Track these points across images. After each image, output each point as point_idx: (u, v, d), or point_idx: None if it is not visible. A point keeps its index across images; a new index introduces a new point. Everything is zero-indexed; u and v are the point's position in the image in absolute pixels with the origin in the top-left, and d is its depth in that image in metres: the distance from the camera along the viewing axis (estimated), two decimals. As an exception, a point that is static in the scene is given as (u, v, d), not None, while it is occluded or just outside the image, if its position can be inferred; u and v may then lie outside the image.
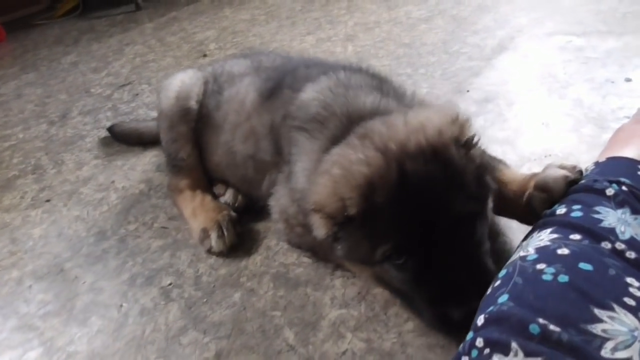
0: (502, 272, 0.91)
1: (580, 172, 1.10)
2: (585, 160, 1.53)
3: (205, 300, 1.35)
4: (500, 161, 1.34)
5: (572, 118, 1.76)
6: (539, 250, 0.89)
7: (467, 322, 0.87)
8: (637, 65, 1.99)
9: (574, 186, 1.07)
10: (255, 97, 1.56)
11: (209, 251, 1.49)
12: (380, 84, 1.42)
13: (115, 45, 3.88)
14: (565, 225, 0.93)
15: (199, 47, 3.44)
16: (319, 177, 1.13)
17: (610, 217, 0.92)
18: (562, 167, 1.12)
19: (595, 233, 0.88)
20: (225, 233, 1.47)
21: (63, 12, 5.22)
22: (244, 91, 1.62)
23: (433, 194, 1.01)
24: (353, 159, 1.08)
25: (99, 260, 1.58)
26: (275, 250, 1.47)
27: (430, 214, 1.00)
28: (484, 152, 1.21)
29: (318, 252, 1.38)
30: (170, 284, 1.43)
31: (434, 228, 1.00)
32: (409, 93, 1.43)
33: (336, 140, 1.21)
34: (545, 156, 1.60)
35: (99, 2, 5.25)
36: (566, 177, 1.08)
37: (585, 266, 0.81)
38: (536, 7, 2.78)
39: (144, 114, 2.55)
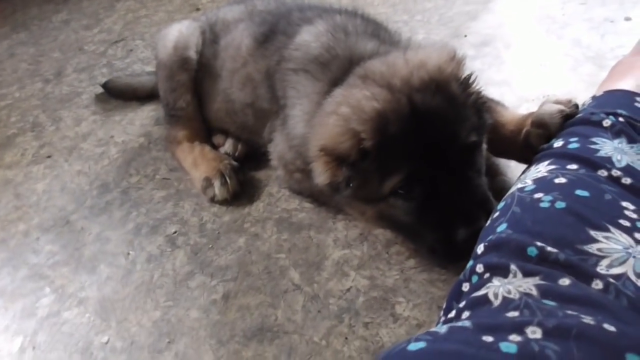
0: (501, 204, 0.93)
1: (576, 105, 1.11)
2: (584, 97, 1.52)
3: (210, 246, 1.38)
4: (498, 103, 1.35)
5: (571, 58, 1.75)
6: (537, 181, 0.91)
7: (471, 243, 0.91)
8: (636, 3, 1.96)
9: (570, 120, 1.08)
10: (250, 43, 1.55)
11: (212, 200, 1.51)
12: (377, 30, 1.42)
13: (105, 2, 3.78)
14: (563, 156, 0.95)
15: (191, 0, 3.37)
16: (326, 119, 1.14)
17: (607, 146, 0.93)
18: (557, 102, 1.13)
19: (592, 162, 0.90)
20: (228, 181, 1.49)
21: (50, -30, 5.05)
22: (239, 37, 1.61)
23: (441, 124, 1.06)
24: (360, 96, 1.10)
25: (104, 212, 1.60)
26: (277, 197, 1.49)
27: (439, 143, 1.05)
28: (481, 92, 1.21)
29: (318, 197, 1.40)
30: (175, 232, 1.45)
31: (442, 156, 1.05)
32: (405, 39, 1.43)
33: (336, 83, 1.22)
34: (543, 96, 1.59)
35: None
36: (562, 111, 1.09)
37: (581, 192, 0.83)
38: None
39: (139, 69, 2.53)
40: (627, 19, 1.87)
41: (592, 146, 0.94)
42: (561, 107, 1.10)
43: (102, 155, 1.89)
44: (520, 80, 1.71)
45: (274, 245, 1.33)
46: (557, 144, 1.01)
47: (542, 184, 0.89)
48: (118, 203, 1.62)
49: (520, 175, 1.02)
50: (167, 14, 3.25)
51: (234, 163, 1.55)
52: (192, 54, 1.70)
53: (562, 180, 0.87)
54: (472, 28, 2.09)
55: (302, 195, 1.46)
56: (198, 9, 3.17)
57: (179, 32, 1.74)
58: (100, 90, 2.35)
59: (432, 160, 1.05)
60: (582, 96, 1.55)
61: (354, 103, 1.10)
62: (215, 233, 1.42)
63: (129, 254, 1.42)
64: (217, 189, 1.48)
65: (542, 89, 1.63)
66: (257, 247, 1.34)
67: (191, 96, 1.70)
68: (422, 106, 1.06)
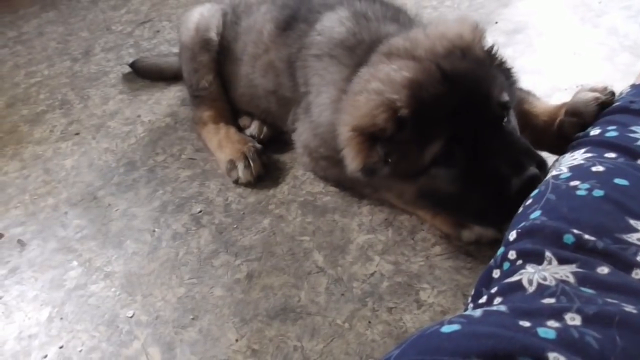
0: (534, 192, 0.91)
1: (612, 93, 1.09)
2: (620, 88, 1.49)
3: (235, 226, 1.39)
4: (529, 93, 1.33)
5: (606, 47, 1.70)
6: (573, 168, 0.89)
7: (525, 193, 0.92)
8: (676, -7, 1.90)
9: (608, 108, 1.05)
10: (272, 28, 1.55)
11: (236, 182, 1.51)
12: (397, 14, 1.43)
13: (133, -17, 3.80)
14: (600, 144, 0.92)
15: (218, -18, 3.36)
16: (356, 98, 1.13)
17: (647, 135, 0.90)
18: (593, 89, 1.11)
19: (631, 150, 0.87)
20: (252, 163, 1.49)
21: (78, -50, 5.07)
22: (261, 20, 1.60)
23: (473, 85, 1.07)
24: (388, 69, 1.10)
25: (130, 189, 1.62)
26: (302, 179, 1.49)
27: (474, 103, 1.05)
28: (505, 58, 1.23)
29: (345, 183, 1.39)
30: (200, 211, 1.46)
31: (479, 116, 1.05)
32: (425, 22, 1.43)
33: (361, 67, 1.21)
34: (577, 86, 1.55)
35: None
36: (597, 98, 1.07)
37: (620, 181, 0.81)
38: None
39: (165, 50, 2.53)
40: (667, 8, 1.82)
41: (632, 135, 0.92)
42: (597, 94, 1.08)
43: (129, 134, 1.91)
44: (553, 68, 1.67)
45: (298, 227, 1.33)
46: (594, 132, 0.98)
47: (579, 171, 0.87)
48: (144, 181, 1.64)
49: (554, 163, 1.00)
50: (194, -4, 3.25)
51: (258, 146, 1.55)
52: (213, 35, 1.71)
53: (600, 168, 0.85)
54: (504, 15, 2.05)
55: (328, 181, 1.45)
56: (225, -9, 3.16)
57: (200, 15, 1.76)
58: (127, 69, 2.37)
59: (470, 120, 1.05)
60: (618, 86, 1.50)
61: (383, 77, 1.10)
62: (240, 213, 1.42)
63: (154, 231, 1.43)
64: (241, 172, 1.49)
65: (576, 78, 1.59)
66: (281, 228, 1.34)
67: (213, 76, 1.71)
68: (451, 70, 1.07)
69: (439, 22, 1.30)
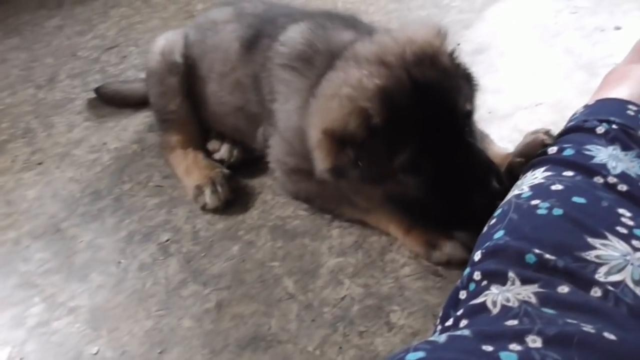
0: (498, 211, 0.93)
1: (553, 135, 1.14)
2: (576, 105, 1.53)
3: (203, 254, 1.37)
4: (487, 136, 1.38)
5: (563, 66, 1.76)
6: (533, 187, 0.91)
7: (488, 207, 0.98)
8: (626, 12, 1.98)
9: (564, 128, 1.08)
10: (238, 47, 1.56)
11: (204, 208, 1.50)
12: (353, 22, 1.48)
13: (99, 8, 3.76)
14: (558, 163, 0.95)
15: (186, 7, 3.36)
16: (328, 103, 1.16)
17: (602, 153, 0.93)
18: (535, 132, 1.18)
19: (588, 168, 0.90)
20: (219, 189, 1.48)
21: (43, -24, 5.02)
22: (228, 39, 1.61)
23: (442, 95, 1.10)
24: (359, 75, 1.13)
25: (96, 219, 1.58)
26: (271, 204, 1.48)
27: (443, 114, 1.09)
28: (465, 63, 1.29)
29: (315, 199, 1.40)
30: (168, 240, 1.44)
31: (447, 127, 1.09)
32: (381, 29, 1.47)
33: (322, 76, 1.25)
34: (536, 104, 1.61)
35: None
36: (541, 140, 1.13)
37: (578, 199, 0.83)
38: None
39: (133, 75, 2.51)
40: (617, 28, 1.89)
41: (587, 153, 0.94)
42: (540, 136, 1.14)
43: (95, 162, 1.87)
44: (513, 88, 1.72)
45: (268, 253, 1.32)
46: (552, 150, 1.01)
47: (539, 190, 0.89)
48: (110, 210, 1.61)
49: (517, 182, 1.02)
50: (161, 20, 3.24)
51: (226, 171, 1.54)
52: (178, 57, 1.71)
53: (559, 187, 0.87)
54: (466, 36, 2.10)
55: (299, 198, 1.45)
56: (193, 16, 3.16)
57: (165, 39, 1.78)
58: (93, 96, 2.34)
59: (438, 131, 1.09)
60: (574, 103, 1.55)
61: (354, 83, 1.12)
62: (208, 241, 1.40)
63: (120, 262, 1.40)
64: (208, 197, 1.47)
65: (535, 96, 1.64)
66: (251, 255, 1.33)
67: (181, 99, 1.70)
68: (421, 80, 1.10)
69: (404, 26, 1.36)
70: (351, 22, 1.47)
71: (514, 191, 0.96)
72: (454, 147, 1.10)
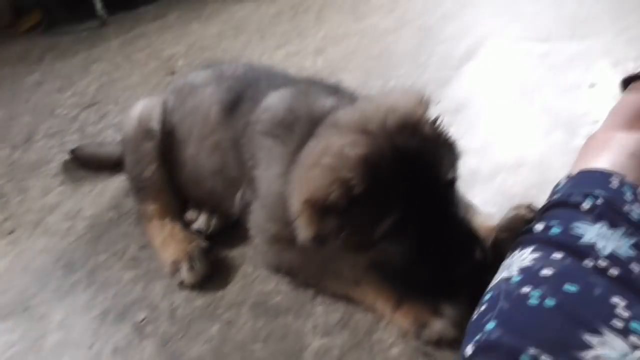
0: (487, 296, 0.90)
1: (536, 210, 1.14)
2: (558, 166, 1.54)
3: (181, 335, 1.30)
4: (471, 205, 1.36)
5: (542, 124, 1.77)
6: (523, 271, 0.88)
7: (472, 277, 1.01)
8: (600, 69, 2.02)
9: (549, 201, 1.07)
10: (218, 110, 1.55)
11: (181, 284, 1.44)
12: (336, 89, 1.48)
13: (80, 63, 3.76)
14: (546, 243, 0.92)
15: (167, 63, 3.37)
16: (309, 172, 1.14)
17: (589, 232, 0.91)
18: (518, 207, 1.19)
19: (577, 250, 0.87)
20: (197, 264, 1.43)
21: (26, 28, 5.04)
22: (208, 102, 1.60)
23: (424, 164, 1.10)
24: (340, 144, 1.12)
25: (68, 295, 1.51)
26: (252, 277, 1.43)
27: (425, 182, 1.08)
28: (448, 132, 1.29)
29: (298, 271, 1.35)
30: (144, 319, 1.37)
31: (429, 196, 1.08)
32: (364, 97, 1.47)
33: (304, 143, 1.24)
34: (519, 165, 1.60)
35: (62, 17, 5.09)
36: (523, 216, 1.15)
37: (570, 287, 0.80)
38: (499, 14, 2.80)
39: (111, 135, 2.47)
40: (592, 85, 1.92)
41: (574, 232, 0.92)
42: (522, 211, 1.16)
43: (69, 231, 1.81)
44: (494, 147, 1.71)
45: (249, 333, 1.26)
46: (539, 227, 0.99)
47: (529, 275, 0.86)
48: (84, 285, 1.54)
49: (506, 260, 0.99)
50: (142, 77, 3.24)
51: (204, 244, 1.49)
52: (155, 124, 1.69)
53: (549, 272, 0.84)
54: (446, 94, 2.12)
55: (281, 270, 1.39)
56: (174, 73, 3.17)
57: (143, 106, 1.75)
58: (69, 157, 2.29)
59: (420, 200, 1.08)
60: (556, 164, 1.57)
61: (336, 152, 1.11)
62: (186, 320, 1.34)
63: (93, 344, 1.33)
64: (185, 274, 1.42)
65: (517, 156, 1.64)
66: (231, 336, 1.26)
67: (157, 166, 1.66)
68: (403, 148, 1.09)
69: (386, 94, 1.36)
70: (333, 89, 1.47)
71: (503, 273, 0.93)
72: (436, 217, 1.09)
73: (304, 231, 1.13)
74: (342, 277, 1.28)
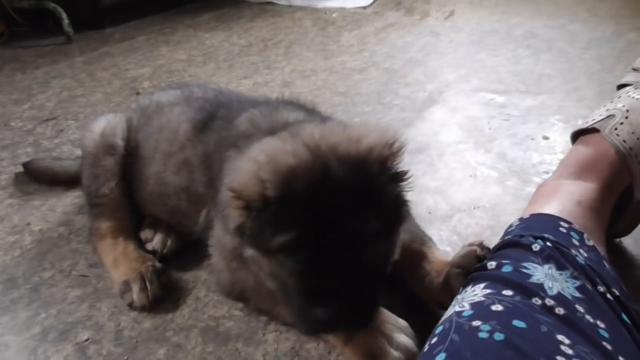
0: (439, 329, 0.91)
1: (488, 249, 1.16)
2: (511, 211, 1.61)
3: (126, 357, 1.25)
4: (430, 238, 1.38)
5: (497, 171, 1.85)
6: (474, 306, 0.90)
7: (330, 324, 1.03)
8: (553, 124, 2.14)
9: (501, 241, 1.11)
10: (189, 128, 1.55)
11: (131, 305, 1.39)
12: (311, 110, 1.50)
13: (41, 77, 3.68)
14: (497, 280, 0.95)
15: (131, 84, 3.34)
16: (243, 163, 1.14)
17: (538, 272, 0.95)
18: (471, 244, 1.20)
19: (526, 288, 0.90)
20: (149, 285, 1.38)
21: (-14, 39, 4.91)
22: (176, 120, 1.60)
23: (348, 202, 1.04)
24: (280, 149, 1.11)
25: (7, 312, 1.43)
26: (204, 301, 1.40)
27: (336, 217, 1.03)
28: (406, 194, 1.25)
29: (251, 295, 1.33)
30: (87, 340, 1.31)
31: (335, 231, 1.03)
32: (337, 119, 1.51)
33: None
34: (474, 207, 1.66)
35: (26, 31, 4.99)
36: (475, 252, 1.15)
37: (518, 323, 0.82)
38: (462, 65, 2.95)
39: (68, 151, 2.41)
40: (545, 137, 2.03)
41: (525, 270, 0.96)
42: (475, 248, 1.16)
43: (14, 245, 1.73)
44: (452, 189, 1.77)
45: (197, 358, 1.22)
46: (491, 264, 1.02)
47: (480, 310, 0.88)
48: (25, 302, 1.46)
49: (458, 295, 1.01)
50: (104, 95, 3.20)
51: (158, 265, 1.45)
52: (119, 140, 1.66)
53: (499, 307, 0.86)
54: (408, 134, 2.18)
55: (234, 292, 1.36)
56: (138, 93, 3.14)
57: (107, 121, 1.73)
58: (21, 170, 2.21)
59: (324, 231, 1.03)
60: (510, 209, 1.63)
61: (271, 153, 1.11)
62: (132, 342, 1.29)
63: (29, 364, 1.26)
64: (136, 295, 1.37)
65: (473, 199, 1.70)
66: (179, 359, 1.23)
67: (116, 183, 1.62)
68: (335, 177, 1.05)
69: (364, 124, 1.35)
70: (307, 108, 1.48)
71: (455, 306, 0.95)
72: (333, 254, 1.03)
73: (232, 221, 1.14)
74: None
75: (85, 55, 4.19)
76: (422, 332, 1.11)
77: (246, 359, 1.21)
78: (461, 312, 0.90)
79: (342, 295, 1.03)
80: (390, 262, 1.16)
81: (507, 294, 0.90)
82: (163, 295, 1.40)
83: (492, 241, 1.19)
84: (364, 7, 4.39)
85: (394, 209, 1.13)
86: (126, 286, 1.39)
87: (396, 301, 1.24)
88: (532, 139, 2.02)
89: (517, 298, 0.89)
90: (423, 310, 1.26)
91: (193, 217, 1.51)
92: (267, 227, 1.07)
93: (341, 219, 1.04)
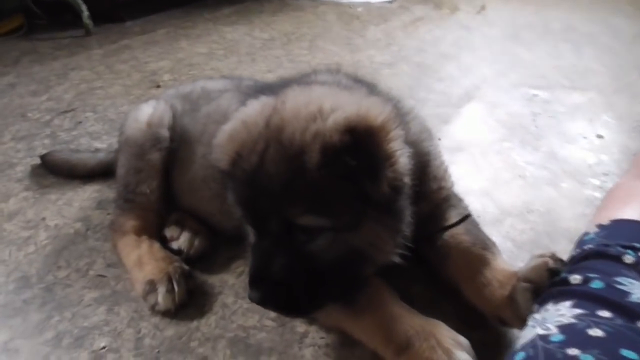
0: (520, 356, 0.77)
1: (561, 261, 1.01)
2: (569, 216, 1.46)
3: (147, 369, 1.12)
4: (493, 243, 1.22)
5: (549, 171, 1.70)
6: (565, 329, 0.76)
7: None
8: (606, 122, 1.98)
9: (583, 251, 0.95)
10: (238, 108, 1.42)
11: (154, 308, 1.27)
12: (354, 77, 1.37)
13: (59, 69, 3.60)
14: (587, 298, 0.81)
15: (151, 77, 3.24)
16: (228, 124, 1.14)
17: (636, 289, 0.80)
18: (541, 255, 1.06)
19: (627, 309, 0.76)
20: (176, 287, 1.26)
21: (5, 31, 4.86)
22: (226, 104, 1.49)
23: (275, 189, 0.99)
24: (246, 117, 1.10)
25: (18, 313, 1.32)
26: (233, 309, 1.27)
27: (266, 207, 1.00)
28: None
29: None
30: (104, 347, 1.19)
31: (266, 221, 1.02)
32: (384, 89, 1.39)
33: None
34: (527, 211, 1.51)
35: (45, 24, 4.94)
36: (546, 264, 1.01)
37: (628, 354, 0.68)
38: (498, 59, 2.79)
39: (86, 143, 2.31)
40: (599, 136, 1.87)
41: (620, 287, 0.81)
42: (546, 260, 1.02)
43: (28, 241, 1.62)
44: (500, 191, 1.63)
45: (226, 373, 1.10)
46: (575, 279, 0.87)
47: (574, 335, 0.74)
48: (38, 303, 1.35)
49: (535, 314, 0.87)
50: (124, 87, 3.09)
51: (186, 267, 1.32)
52: (165, 131, 1.55)
53: (599, 332, 0.72)
54: (445, 132, 2.04)
55: None
56: (159, 86, 3.03)
57: (154, 109, 1.60)
58: (38, 162, 2.11)
59: (255, 216, 1.04)
60: (567, 214, 1.48)
61: (239, 121, 1.11)
62: (154, 352, 1.16)
63: (41, 374, 1.14)
64: (161, 297, 1.25)
65: (525, 202, 1.55)
66: (205, 374, 1.10)
67: (158, 183, 1.51)
68: (269, 158, 0.99)
69: (362, 95, 1.13)
70: (351, 77, 1.35)
71: (535, 328, 0.80)
72: (265, 241, 1.03)
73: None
74: (342, 303, 1.09)
75: (104, 48, 4.10)
76: (475, 348, 0.98)
77: (281, 376, 1.08)
78: (547, 336, 0.76)
79: (258, 279, 1.01)
80: (343, 260, 1.03)
81: (604, 315, 0.76)
82: (188, 300, 1.28)
83: (552, 249, 1.07)
84: (390, 1, 4.25)
85: (350, 206, 0.99)
86: (151, 286, 1.27)
87: (446, 310, 1.10)
88: (585, 138, 1.86)
89: (619, 321, 0.74)
90: (478, 323, 1.10)
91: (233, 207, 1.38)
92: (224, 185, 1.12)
93: (268, 212, 1.01)
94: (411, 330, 1.01)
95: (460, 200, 1.34)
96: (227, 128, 1.11)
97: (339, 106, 1.00)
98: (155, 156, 1.52)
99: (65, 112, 2.75)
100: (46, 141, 2.38)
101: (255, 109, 1.11)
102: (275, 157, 0.98)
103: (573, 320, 0.76)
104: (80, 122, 2.58)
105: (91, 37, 4.49)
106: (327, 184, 0.96)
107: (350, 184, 0.97)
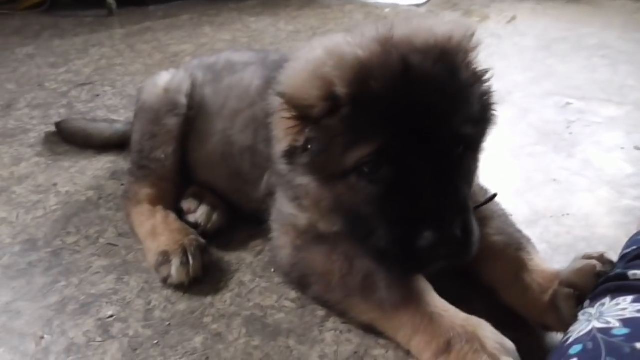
0: (576, 348, 0.70)
1: (611, 262, 0.93)
2: (607, 223, 1.39)
3: (156, 341, 1.05)
4: (528, 240, 1.14)
5: (585, 178, 1.62)
6: (629, 323, 0.69)
7: (435, 253, 0.81)
8: (643, 136, 1.90)
9: (632, 251, 0.88)
10: (261, 84, 1.37)
11: (166, 281, 1.20)
12: None
13: (79, 45, 3.57)
14: (652, 294, 0.73)
15: (173, 58, 3.20)
16: (294, 64, 0.98)
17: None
18: (588, 257, 0.97)
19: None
20: (191, 260, 1.18)
21: (28, 5, 4.84)
22: (249, 77, 1.42)
23: (435, 98, 0.87)
24: (341, 41, 0.94)
25: (22, 275, 1.26)
26: (249, 287, 1.20)
27: (427, 120, 0.87)
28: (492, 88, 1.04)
29: (316, 280, 1.09)
30: (111, 316, 1.12)
31: (426, 138, 0.87)
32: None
33: None
34: (562, 215, 1.44)
35: (68, 1, 4.93)
36: (594, 267, 0.93)
37: None
38: (530, 68, 2.72)
39: (103, 115, 2.26)
40: (637, 148, 1.80)
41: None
42: (594, 262, 0.94)
43: (37, 205, 1.56)
44: (532, 193, 1.55)
45: (240, 352, 1.02)
46: (635, 275, 0.80)
47: (639, 327, 0.66)
48: (44, 266, 1.28)
49: (587, 309, 0.79)
50: (144, 66, 3.05)
51: (202, 241, 1.25)
52: (183, 98, 1.49)
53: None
54: (475, 132, 1.97)
55: (293, 277, 1.14)
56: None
57: (172, 75, 1.55)
58: (52, 130, 2.06)
59: (412, 138, 0.86)
60: (605, 221, 1.41)
61: (331, 48, 0.93)
62: (164, 324, 1.09)
63: (43, 337, 1.07)
64: (175, 269, 1.17)
65: (559, 205, 1.48)
66: (218, 351, 1.02)
67: (173, 149, 1.44)
68: (417, 69, 0.88)
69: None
70: None
71: (592, 321, 0.73)
72: (425, 167, 0.88)
73: (279, 143, 0.98)
74: (375, 296, 0.99)
75: (126, 29, 4.07)
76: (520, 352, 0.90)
77: (299, 359, 1.00)
78: (608, 329, 0.69)
79: (445, 214, 0.86)
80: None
81: (674, 310, 0.69)
82: (202, 275, 1.21)
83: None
84: (418, 5, 4.19)
85: (485, 110, 0.97)
86: (165, 257, 1.19)
87: (478, 308, 1.01)
88: (622, 148, 1.79)
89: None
90: (515, 323, 1.02)
91: (255, 182, 1.32)
92: (336, 139, 0.89)
93: (431, 124, 0.87)
94: (452, 331, 0.90)
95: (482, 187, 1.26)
96: (313, 65, 0.93)
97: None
98: (172, 121, 1.45)
99: (84, 84, 2.71)
100: (62, 111, 2.33)
101: (337, 41, 0.96)
102: (426, 62, 0.89)
103: (637, 315, 0.69)
104: (98, 95, 2.54)
105: (114, 18, 4.47)
106: (475, 93, 0.94)
107: (485, 89, 0.98)
